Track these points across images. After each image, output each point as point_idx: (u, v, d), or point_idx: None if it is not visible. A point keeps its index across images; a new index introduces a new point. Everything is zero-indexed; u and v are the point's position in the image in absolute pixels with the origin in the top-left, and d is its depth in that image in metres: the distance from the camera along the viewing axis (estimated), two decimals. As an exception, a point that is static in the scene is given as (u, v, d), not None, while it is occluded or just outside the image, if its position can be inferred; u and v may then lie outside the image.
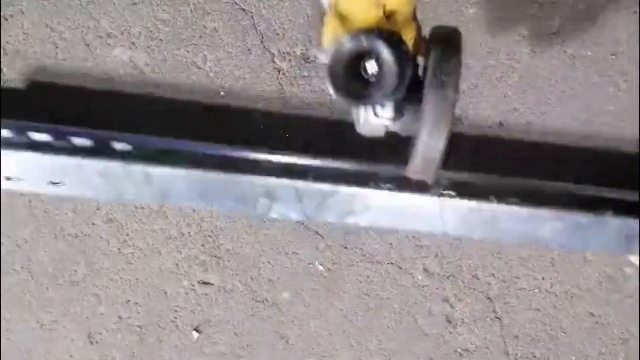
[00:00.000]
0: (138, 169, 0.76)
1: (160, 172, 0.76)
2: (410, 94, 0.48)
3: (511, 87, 0.83)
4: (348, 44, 0.43)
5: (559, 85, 0.83)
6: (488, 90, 0.83)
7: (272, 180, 0.78)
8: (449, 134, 0.46)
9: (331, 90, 0.43)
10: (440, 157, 0.48)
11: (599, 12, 0.81)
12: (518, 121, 0.84)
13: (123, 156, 0.77)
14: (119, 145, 0.78)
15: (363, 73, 0.45)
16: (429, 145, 0.47)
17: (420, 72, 0.51)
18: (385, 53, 0.42)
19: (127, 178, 0.77)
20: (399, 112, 0.51)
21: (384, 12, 0.49)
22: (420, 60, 0.52)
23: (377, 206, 0.81)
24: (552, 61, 0.82)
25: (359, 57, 0.44)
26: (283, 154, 0.80)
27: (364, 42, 0.42)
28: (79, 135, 0.78)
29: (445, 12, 0.80)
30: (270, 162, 0.80)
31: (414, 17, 0.52)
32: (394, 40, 0.47)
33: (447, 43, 0.50)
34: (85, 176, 0.77)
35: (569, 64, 0.82)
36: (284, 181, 0.78)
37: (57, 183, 0.78)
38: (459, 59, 0.48)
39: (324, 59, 0.50)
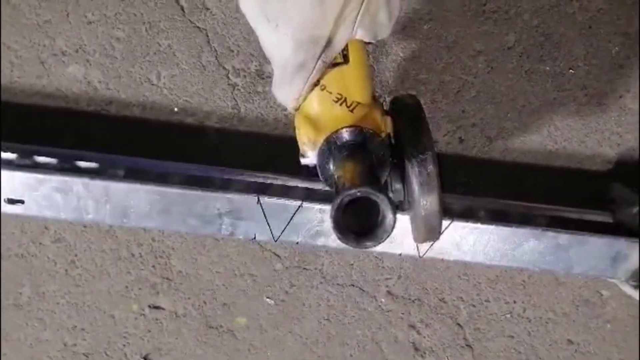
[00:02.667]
0: (99, 186, 0.76)
1: (121, 189, 0.76)
2: (392, 166, 0.55)
3: (469, 102, 0.84)
4: (346, 197, 0.45)
5: (518, 100, 0.85)
6: (445, 105, 0.84)
7: (237, 198, 0.77)
8: (441, 195, 0.53)
9: (342, 240, 0.46)
10: (440, 218, 0.54)
11: (554, 27, 0.83)
12: (478, 137, 0.85)
13: (85, 174, 0.77)
14: (82, 164, 0.78)
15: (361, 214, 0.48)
16: (427, 217, 0.53)
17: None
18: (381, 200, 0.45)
19: (87, 196, 0.76)
20: (386, 188, 0.58)
21: (348, 106, 0.53)
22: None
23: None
24: (510, 76, 0.84)
25: (351, 206, 0.46)
26: (248, 173, 0.80)
27: (358, 193, 0.45)
28: (42, 153, 0.78)
29: (398, 29, 0.83)
30: (235, 180, 0.80)
31: (375, 97, 0.56)
32: (369, 138, 0.53)
33: (414, 121, 0.56)
34: (46, 194, 0.76)
35: (527, 79, 0.84)
36: (249, 199, 0.77)
37: (16, 201, 0.77)
38: (430, 134, 0.55)
39: (304, 161, 0.58)
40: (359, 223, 0.46)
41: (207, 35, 0.82)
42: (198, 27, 0.82)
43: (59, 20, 0.81)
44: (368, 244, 0.46)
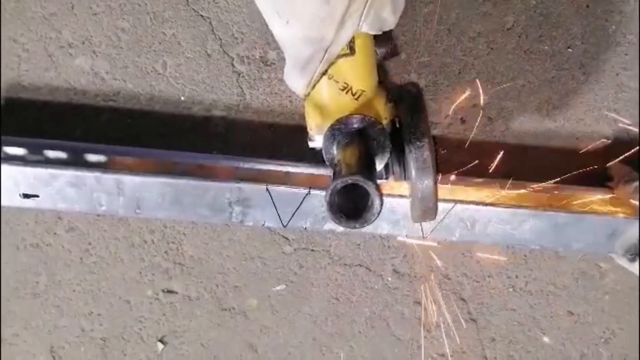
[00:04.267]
0: (111, 179, 0.79)
1: (133, 182, 0.79)
2: (393, 149, 0.60)
3: (470, 83, 0.86)
4: (339, 184, 0.50)
5: (517, 79, 0.87)
6: (446, 87, 0.86)
7: (246, 187, 0.80)
8: (436, 180, 0.58)
9: (335, 221, 0.52)
10: (435, 201, 0.59)
11: (552, 7, 0.85)
12: (479, 117, 0.88)
13: (96, 167, 0.80)
14: (92, 157, 0.81)
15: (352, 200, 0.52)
16: (423, 199, 0.58)
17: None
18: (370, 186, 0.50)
19: (100, 189, 0.79)
20: (388, 170, 0.63)
21: (353, 95, 0.58)
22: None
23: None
24: (509, 56, 0.86)
25: (348, 189, 0.50)
26: (256, 160, 0.83)
27: (349, 180, 0.50)
28: (53, 147, 0.81)
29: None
30: (243, 169, 0.83)
31: (379, 86, 0.60)
32: (370, 125, 0.58)
33: (413, 109, 0.61)
34: (60, 188, 0.79)
35: (526, 58, 0.86)
36: (258, 188, 0.80)
37: (31, 196, 0.80)
38: (427, 122, 0.60)
39: (312, 144, 0.63)
40: (353, 205, 0.51)
41: (211, 24, 0.84)
42: (202, 16, 0.84)
43: (64, 12, 0.83)
44: (357, 225, 0.51)
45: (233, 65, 0.85)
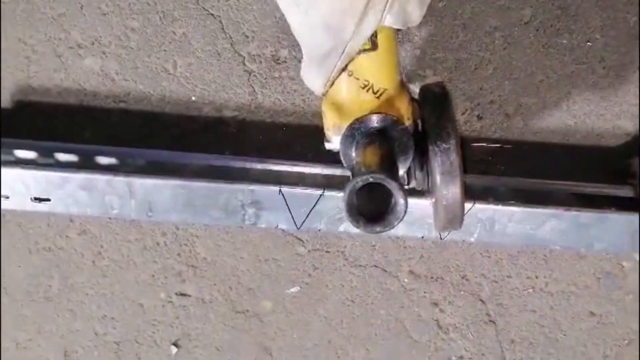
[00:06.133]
0: (122, 182, 0.78)
1: (144, 184, 0.78)
2: (415, 153, 0.56)
3: (486, 79, 0.85)
4: (359, 182, 0.46)
5: (535, 75, 0.85)
6: (463, 83, 0.85)
7: (259, 189, 0.79)
8: (463, 186, 0.52)
9: (353, 225, 0.47)
10: (462, 208, 0.54)
11: (570, 0, 0.83)
12: (496, 114, 0.86)
13: (107, 170, 0.80)
14: (103, 159, 0.81)
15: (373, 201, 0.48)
16: (448, 206, 0.53)
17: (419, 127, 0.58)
18: (392, 186, 0.45)
19: (111, 192, 0.78)
20: (410, 175, 0.58)
21: (374, 93, 0.54)
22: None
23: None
24: (527, 51, 0.85)
25: (367, 190, 0.47)
26: (268, 161, 0.82)
27: (370, 179, 0.45)
28: (63, 150, 0.80)
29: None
30: (256, 170, 0.82)
31: (402, 84, 0.56)
32: (392, 125, 0.54)
33: (440, 109, 0.56)
34: (71, 192, 0.79)
35: (544, 53, 0.85)
36: (271, 190, 0.79)
37: (42, 200, 0.79)
38: (455, 123, 0.54)
39: (329, 146, 0.59)
40: (374, 208, 0.47)
41: (222, 22, 0.83)
42: (212, 14, 0.83)
43: (73, 12, 0.82)
44: (378, 228, 0.47)
45: (244, 64, 0.84)
